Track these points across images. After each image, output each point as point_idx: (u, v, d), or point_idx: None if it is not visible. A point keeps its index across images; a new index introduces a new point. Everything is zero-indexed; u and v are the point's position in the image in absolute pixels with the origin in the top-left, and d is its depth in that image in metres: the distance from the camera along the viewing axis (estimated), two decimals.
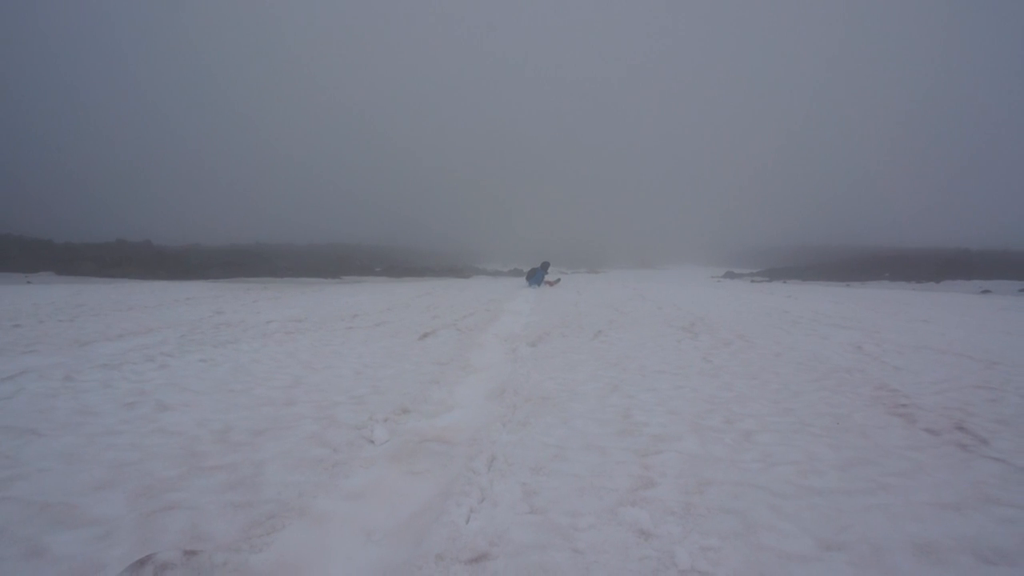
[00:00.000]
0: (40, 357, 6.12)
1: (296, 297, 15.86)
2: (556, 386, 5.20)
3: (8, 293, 14.82)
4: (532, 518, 2.66)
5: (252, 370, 5.73)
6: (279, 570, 2.33)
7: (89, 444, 3.53)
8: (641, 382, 5.37)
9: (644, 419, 4.20)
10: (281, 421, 4.12)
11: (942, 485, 3.02)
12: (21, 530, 2.48)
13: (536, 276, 24.93)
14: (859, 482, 3.06)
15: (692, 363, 6.32)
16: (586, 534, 2.51)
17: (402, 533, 2.70)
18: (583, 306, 13.37)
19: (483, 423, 4.20)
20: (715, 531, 2.53)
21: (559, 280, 27.56)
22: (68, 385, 4.93)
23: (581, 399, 4.76)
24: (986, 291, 25.41)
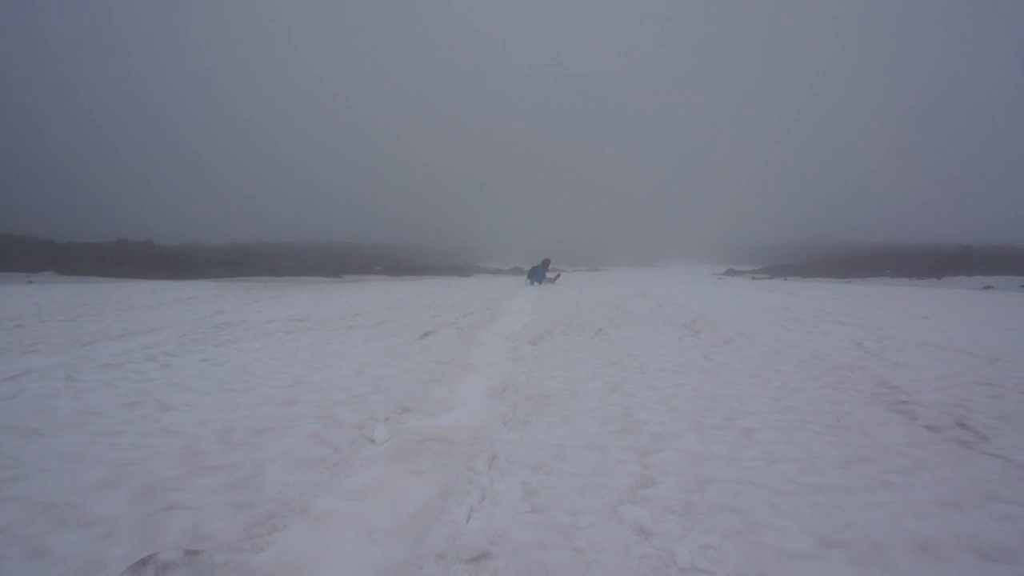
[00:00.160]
0: (42, 357, 6.13)
1: (297, 296, 15.87)
2: (557, 385, 5.21)
3: (10, 293, 14.84)
4: (533, 517, 2.67)
5: (253, 369, 5.74)
6: (280, 570, 2.33)
7: (91, 444, 3.54)
8: (642, 380, 5.37)
9: (645, 417, 4.20)
10: (282, 420, 4.12)
11: (942, 482, 3.02)
12: (23, 530, 2.49)
13: (537, 273, 25.06)
14: (859, 479, 3.06)
15: (693, 361, 6.32)
16: (586, 533, 2.51)
17: (403, 532, 2.70)
18: (584, 304, 13.37)
19: (484, 422, 4.20)
20: (715, 529, 2.53)
21: (558, 276, 27.61)
22: (70, 385, 4.94)
23: (582, 397, 4.77)
24: (988, 287, 25.38)
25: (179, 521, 2.61)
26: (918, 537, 2.44)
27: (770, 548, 2.38)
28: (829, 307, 12.76)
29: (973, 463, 3.29)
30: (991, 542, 2.40)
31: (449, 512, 2.71)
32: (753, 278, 39.96)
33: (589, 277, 35.70)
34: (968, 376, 5.42)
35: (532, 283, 24.67)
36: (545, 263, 25.85)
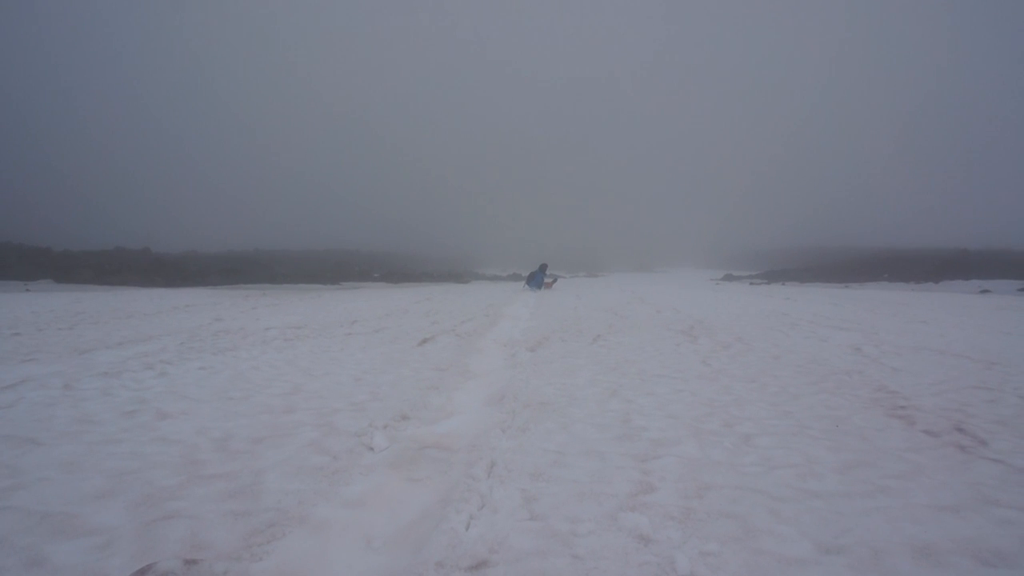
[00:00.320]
0: (40, 366, 6.12)
1: (295, 303, 15.86)
2: (555, 391, 5.21)
3: (7, 301, 14.82)
4: (532, 524, 2.66)
5: (251, 377, 5.73)
6: None
7: (89, 453, 3.53)
8: (640, 386, 5.37)
9: (643, 423, 4.20)
10: (281, 428, 4.12)
11: (941, 487, 3.02)
12: (21, 540, 2.48)
13: (536, 279, 25.15)
14: (858, 485, 3.06)
15: (691, 367, 6.32)
16: (586, 540, 2.51)
17: (402, 540, 2.70)
18: (582, 310, 13.38)
19: (483, 429, 4.20)
20: (715, 536, 2.53)
21: (555, 281, 27.63)
22: (68, 394, 4.93)
23: (580, 404, 4.77)
24: (985, 291, 25.46)
25: (178, 530, 2.60)
26: (917, 542, 2.44)
27: (769, 554, 2.38)
28: (827, 312, 12.78)
29: (972, 468, 3.29)
30: (990, 547, 2.40)
31: (448, 520, 2.70)
32: (751, 283, 40.00)
33: (587, 283, 35.74)
34: (966, 380, 5.43)
35: (531, 289, 24.73)
36: (543, 268, 25.93)
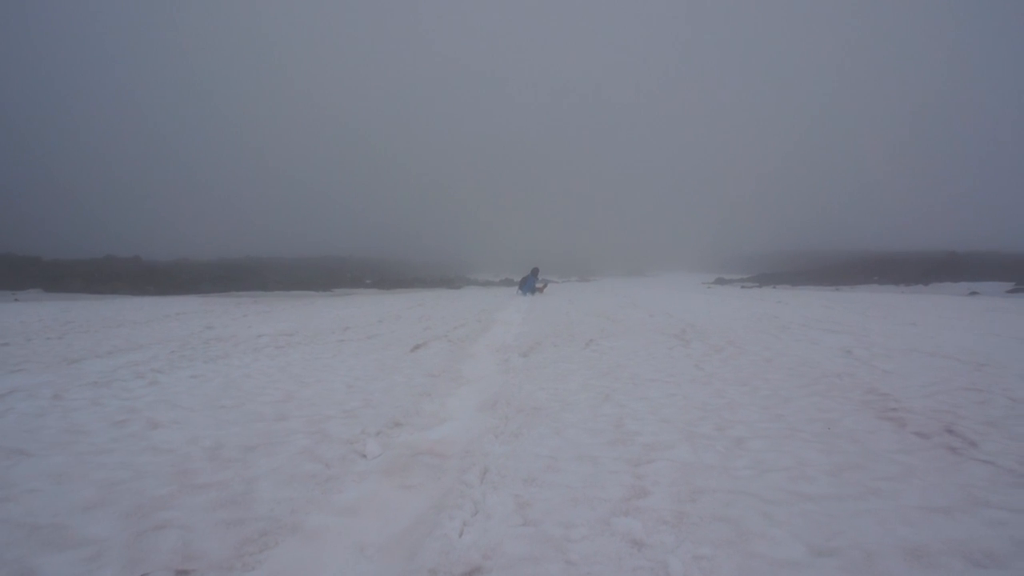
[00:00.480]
0: (29, 376, 6.08)
1: (287, 311, 15.81)
2: (548, 396, 5.21)
3: None
4: (525, 530, 2.66)
5: (243, 385, 5.71)
6: None
7: (79, 463, 3.51)
8: (633, 391, 5.38)
9: (636, 428, 4.21)
10: (273, 436, 4.10)
11: (932, 488, 3.04)
12: (10, 552, 2.46)
13: (528, 283, 25.27)
14: (850, 487, 3.08)
15: (683, 370, 6.33)
16: (579, 545, 2.51)
17: (395, 548, 2.69)
18: (574, 315, 13.39)
19: (475, 435, 4.20)
20: (708, 540, 2.54)
21: (545, 286, 27.67)
22: (57, 404, 4.89)
23: (573, 409, 4.77)
24: (974, 292, 25.63)
25: (169, 540, 2.59)
26: (909, 544, 2.46)
27: (762, 557, 2.39)
28: (818, 315, 12.83)
29: (962, 469, 3.31)
30: (982, 548, 2.42)
31: (442, 526, 2.70)
32: (742, 287, 40.15)
33: (579, 287, 35.77)
34: (956, 382, 5.46)
35: (524, 293, 24.82)
36: (534, 272, 26.02)
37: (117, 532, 2.67)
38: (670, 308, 14.95)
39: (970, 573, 2.25)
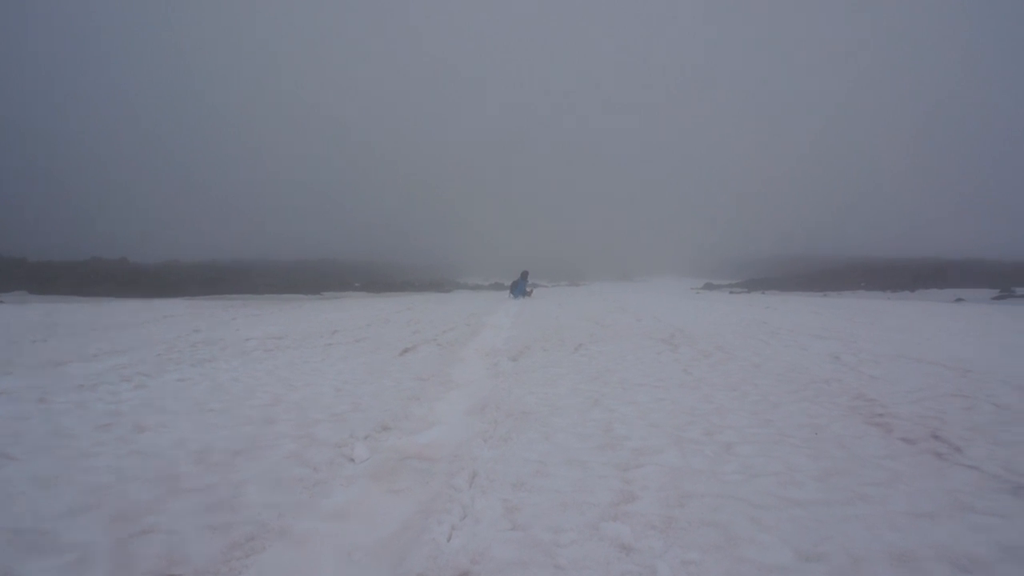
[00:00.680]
0: (13, 379, 6.01)
1: (275, 314, 15.73)
2: (537, 401, 5.21)
3: None
4: (514, 535, 2.66)
5: (231, 389, 5.67)
6: None
7: (64, 467, 3.47)
8: (622, 395, 5.39)
9: (625, 432, 4.21)
10: (260, 440, 4.08)
11: (918, 494, 3.06)
12: None
13: (519, 287, 25.48)
14: (837, 492, 3.09)
15: (672, 375, 6.35)
16: (568, 550, 2.51)
17: (383, 552, 2.68)
18: (564, 319, 13.39)
19: (464, 439, 4.19)
20: (696, 544, 2.54)
21: (533, 290, 27.72)
22: (42, 407, 4.84)
23: (562, 413, 4.77)
24: (959, 299, 25.86)
25: (155, 545, 2.57)
26: (895, 549, 2.47)
27: (750, 562, 2.39)
28: (806, 321, 12.90)
29: (948, 474, 3.34)
30: (967, 553, 2.44)
31: (430, 531, 2.69)
32: (731, 292, 40.33)
33: (569, 292, 35.82)
34: (942, 388, 5.51)
35: (515, 297, 24.98)
36: (524, 276, 26.12)
37: (102, 537, 2.64)
38: (659, 313, 14.99)
39: None
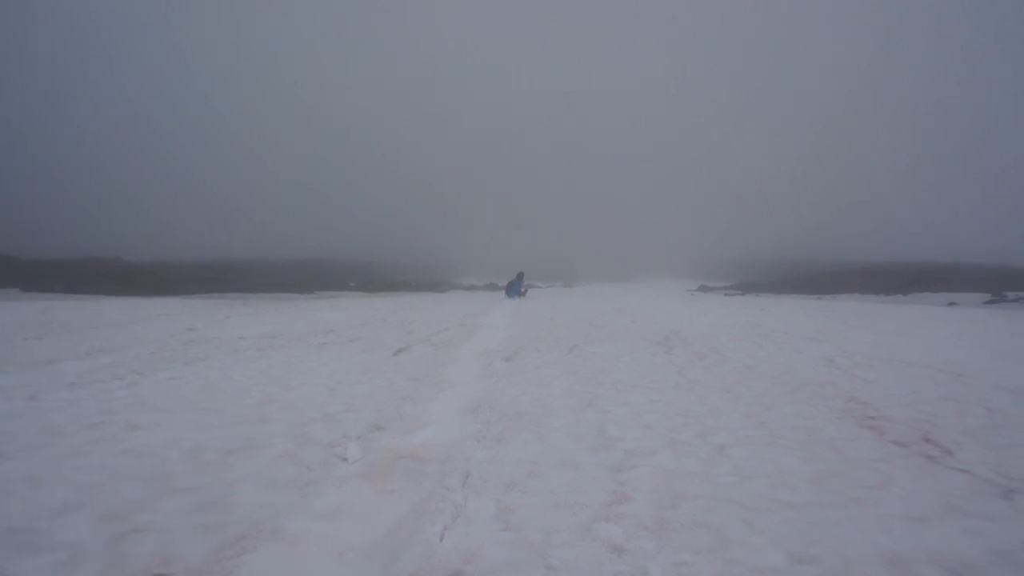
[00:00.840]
0: (5, 377, 5.98)
1: (270, 313, 15.69)
2: (531, 401, 5.20)
3: None
4: (506, 535, 2.66)
5: (224, 388, 5.65)
6: None
7: (55, 466, 3.45)
8: (616, 397, 5.39)
9: (619, 434, 4.21)
10: (253, 440, 4.06)
11: (911, 497, 3.07)
12: None
13: (514, 287, 25.59)
14: (830, 495, 3.10)
15: (666, 377, 6.36)
16: (560, 551, 2.51)
17: (375, 552, 2.68)
18: (558, 320, 13.40)
19: (457, 439, 4.19)
20: (688, 546, 2.55)
21: (527, 291, 27.78)
22: (34, 405, 4.82)
23: (556, 414, 4.77)
24: (952, 303, 25.96)
25: (146, 545, 2.56)
26: (887, 552, 2.48)
27: (742, 564, 2.40)
28: (800, 323, 12.93)
29: (940, 478, 3.35)
30: (958, 557, 2.45)
31: (422, 531, 2.69)
32: (725, 294, 40.39)
33: (564, 293, 35.83)
34: (934, 392, 5.52)
35: (510, 297, 25.05)
36: (519, 276, 26.21)
37: (93, 536, 2.63)
38: (653, 314, 15.01)
39: None
